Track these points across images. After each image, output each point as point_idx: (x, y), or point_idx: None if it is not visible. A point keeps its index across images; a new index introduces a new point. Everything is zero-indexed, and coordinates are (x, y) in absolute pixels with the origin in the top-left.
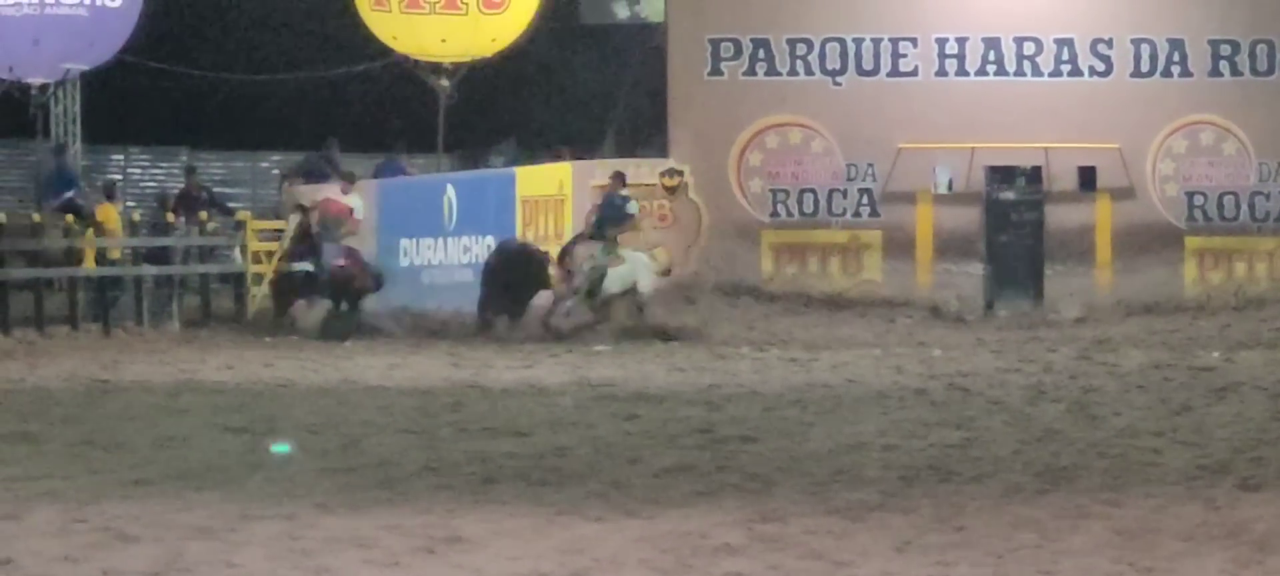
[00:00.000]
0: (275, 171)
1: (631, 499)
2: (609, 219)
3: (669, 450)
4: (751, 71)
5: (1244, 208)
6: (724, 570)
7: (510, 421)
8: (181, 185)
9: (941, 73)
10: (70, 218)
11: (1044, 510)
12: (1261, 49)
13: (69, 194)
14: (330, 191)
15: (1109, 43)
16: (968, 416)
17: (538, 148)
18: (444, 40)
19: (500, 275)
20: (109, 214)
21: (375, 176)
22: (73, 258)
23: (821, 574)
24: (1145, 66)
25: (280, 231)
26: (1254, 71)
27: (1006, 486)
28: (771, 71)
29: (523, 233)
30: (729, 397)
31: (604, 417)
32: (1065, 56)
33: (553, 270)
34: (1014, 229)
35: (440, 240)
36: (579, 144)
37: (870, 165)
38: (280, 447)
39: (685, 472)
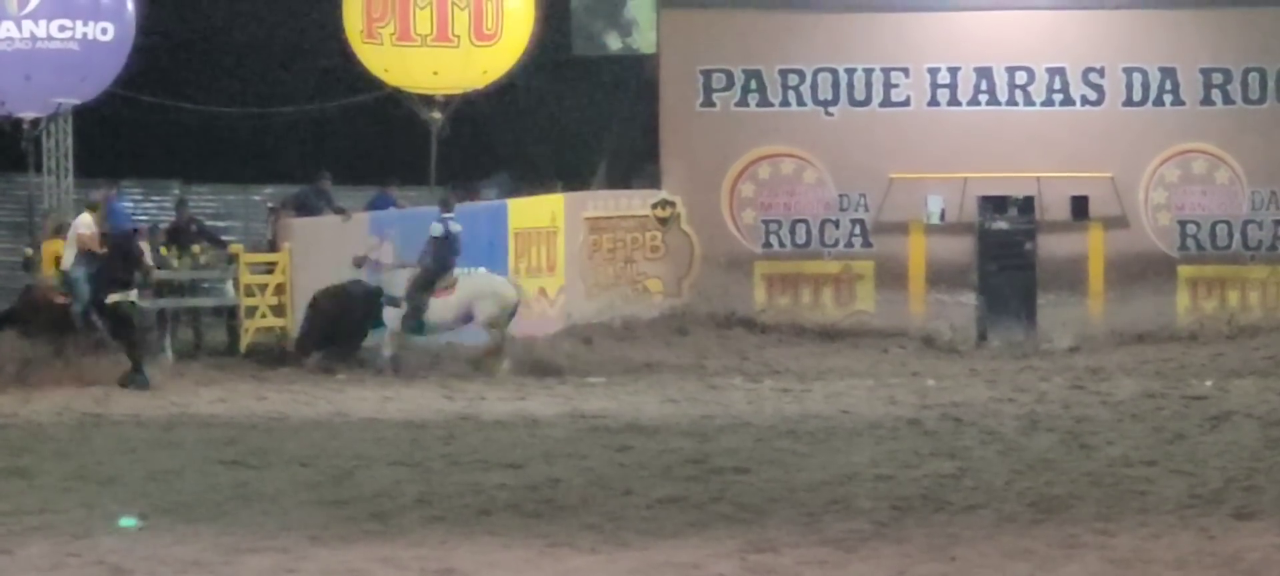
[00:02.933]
0: (268, 205)
1: (624, 530)
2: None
3: (662, 481)
4: (743, 102)
5: (1236, 236)
6: None
7: (503, 453)
8: (173, 218)
9: (933, 103)
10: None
11: (1037, 540)
12: (1253, 77)
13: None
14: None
15: (1101, 72)
16: (961, 446)
17: (531, 180)
18: (436, 72)
19: (326, 311)
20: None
21: (367, 210)
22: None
23: None
24: (1137, 95)
25: (272, 265)
26: (1246, 100)
27: (1000, 516)
28: (763, 102)
29: (515, 265)
30: (722, 429)
31: (597, 449)
32: (1057, 86)
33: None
34: (1007, 259)
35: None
36: (571, 176)
37: (862, 195)
38: (128, 521)
39: (678, 504)
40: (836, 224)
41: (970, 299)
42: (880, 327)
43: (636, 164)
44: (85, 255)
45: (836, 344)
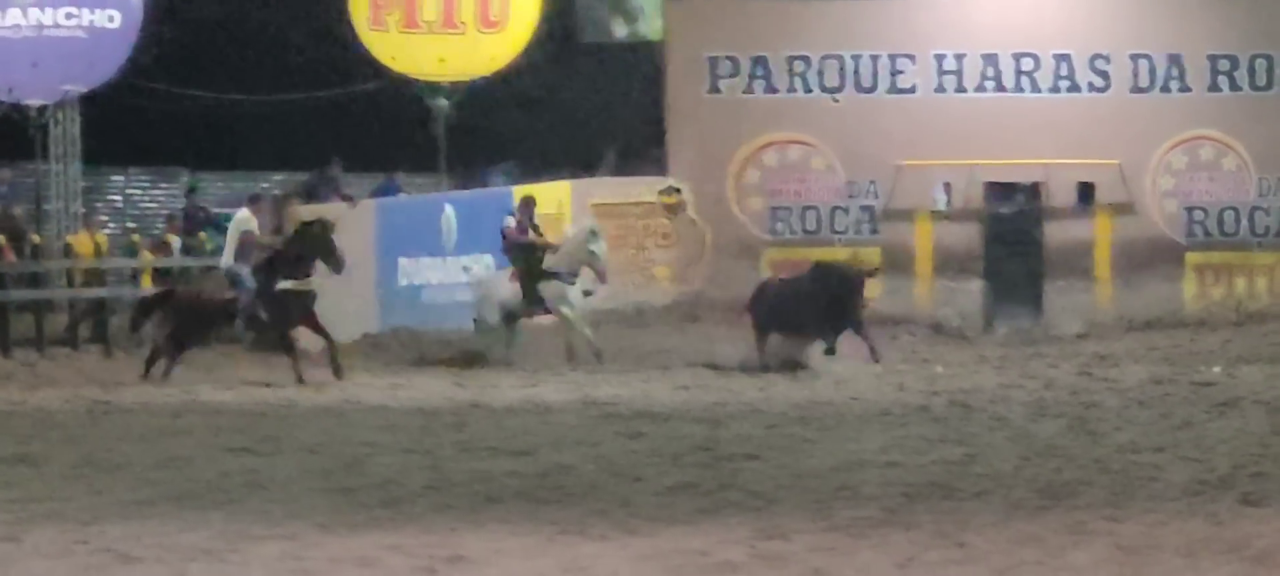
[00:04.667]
0: (276, 192)
1: (634, 517)
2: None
3: (672, 468)
4: (750, 89)
5: (1244, 222)
6: None
7: (513, 440)
8: (182, 205)
9: (940, 89)
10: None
11: (1046, 526)
12: (1260, 64)
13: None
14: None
15: (1107, 58)
16: (969, 433)
17: (538, 167)
18: (442, 60)
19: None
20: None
21: (372, 197)
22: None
23: None
24: (1144, 82)
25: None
26: (1253, 86)
27: (1008, 503)
28: (770, 89)
29: None
30: (731, 415)
31: (607, 436)
32: (1064, 72)
33: None
34: (1014, 245)
35: (440, 259)
36: (579, 163)
37: (871, 182)
38: None
39: (688, 490)
40: (845, 210)
41: (977, 285)
42: (888, 314)
43: (643, 151)
44: (248, 250)
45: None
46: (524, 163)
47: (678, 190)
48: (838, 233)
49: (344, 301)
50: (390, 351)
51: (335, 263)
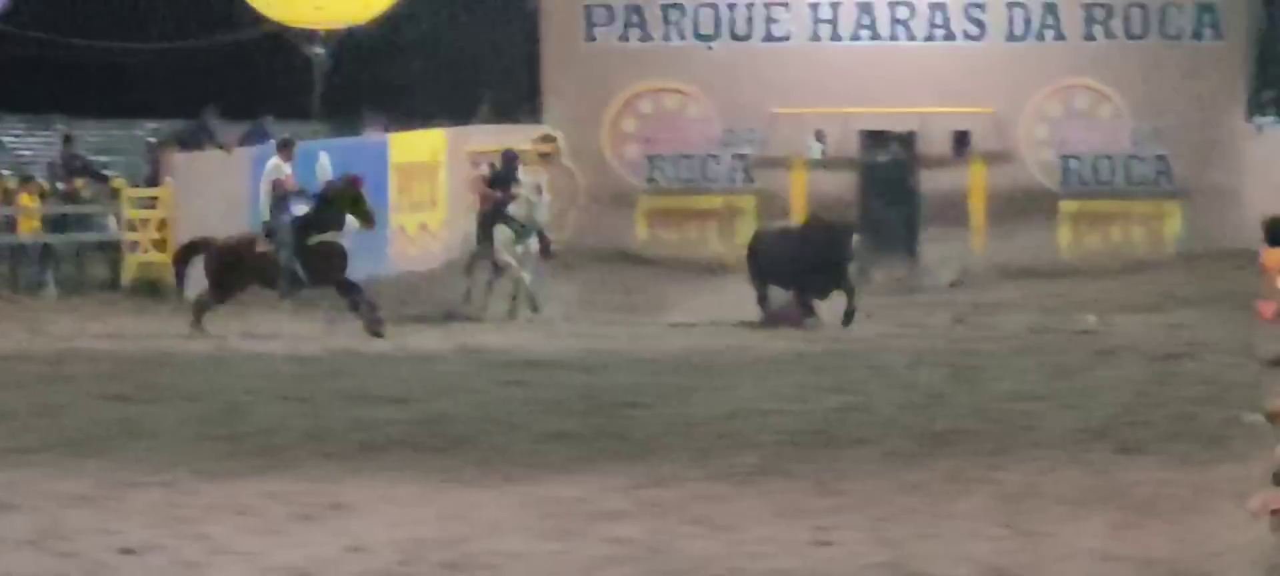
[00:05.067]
0: (149, 140)
1: (514, 465)
2: None
3: (551, 416)
4: (625, 37)
5: (1119, 171)
6: (606, 536)
7: (391, 388)
8: (57, 153)
9: (815, 37)
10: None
11: (926, 474)
12: (1135, 12)
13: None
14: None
15: (982, 6)
16: (849, 381)
17: (413, 114)
18: (318, 6)
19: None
20: None
21: (242, 144)
22: None
23: (703, 538)
24: (1019, 30)
25: (155, 200)
26: (1128, 34)
27: (888, 451)
28: (645, 37)
29: (396, 199)
30: (611, 364)
31: (486, 384)
32: (939, 21)
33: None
34: (889, 194)
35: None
36: (455, 111)
37: (746, 130)
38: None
39: (568, 439)
40: (719, 159)
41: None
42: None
43: (519, 99)
44: (283, 200)
45: (722, 279)
46: (398, 112)
47: (553, 138)
48: (711, 181)
49: None
50: (267, 298)
51: (366, 217)
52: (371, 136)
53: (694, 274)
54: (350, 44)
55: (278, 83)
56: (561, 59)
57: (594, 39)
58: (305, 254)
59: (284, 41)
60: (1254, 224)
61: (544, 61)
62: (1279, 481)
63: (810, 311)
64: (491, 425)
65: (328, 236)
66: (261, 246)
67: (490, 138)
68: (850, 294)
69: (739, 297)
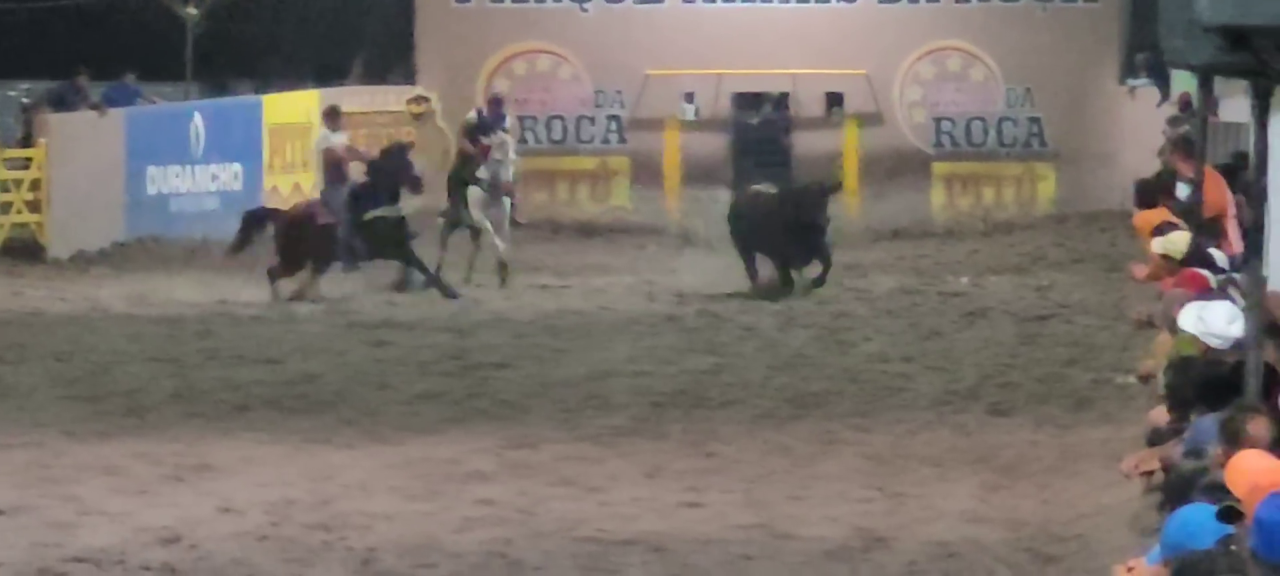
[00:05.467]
0: (22, 100)
1: (382, 425)
2: None
3: (420, 377)
4: None
5: (991, 133)
6: (474, 496)
7: (260, 349)
8: None
9: None
10: None
11: (795, 435)
12: None
13: None
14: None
15: None
16: (719, 343)
17: (286, 75)
18: None
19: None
20: None
21: (106, 102)
22: None
23: (572, 499)
24: None
25: (27, 161)
26: None
27: (757, 412)
28: None
29: (270, 161)
30: (479, 325)
31: (354, 345)
32: None
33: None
34: (761, 155)
35: (188, 168)
36: (328, 72)
37: (618, 92)
38: None
39: (436, 399)
40: (592, 120)
41: (725, 195)
42: (637, 224)
43: (392, 59)
44: (337, 170)
45: (593, 240)
46: (272, 71)
47: (426, 99)
48: (584, 142)
49: (91, 209)
50: (137, 260)
51: (414, 184)
52: (242, 97)
53: (566, 235)
54: (222, 4)
55: (151, 43)
56: (434, 20)
57: (467, 0)
58: (362, 228)
59: (156, 1)
60: (1126, 185)
61: (417, 22)
62: (1151, 442)
63: (788, 280)
64: (360, 386)
65: (383, 210)
66: (323, 217)
67: (363, 98)
68: (825, 259)
69: (610, 259)
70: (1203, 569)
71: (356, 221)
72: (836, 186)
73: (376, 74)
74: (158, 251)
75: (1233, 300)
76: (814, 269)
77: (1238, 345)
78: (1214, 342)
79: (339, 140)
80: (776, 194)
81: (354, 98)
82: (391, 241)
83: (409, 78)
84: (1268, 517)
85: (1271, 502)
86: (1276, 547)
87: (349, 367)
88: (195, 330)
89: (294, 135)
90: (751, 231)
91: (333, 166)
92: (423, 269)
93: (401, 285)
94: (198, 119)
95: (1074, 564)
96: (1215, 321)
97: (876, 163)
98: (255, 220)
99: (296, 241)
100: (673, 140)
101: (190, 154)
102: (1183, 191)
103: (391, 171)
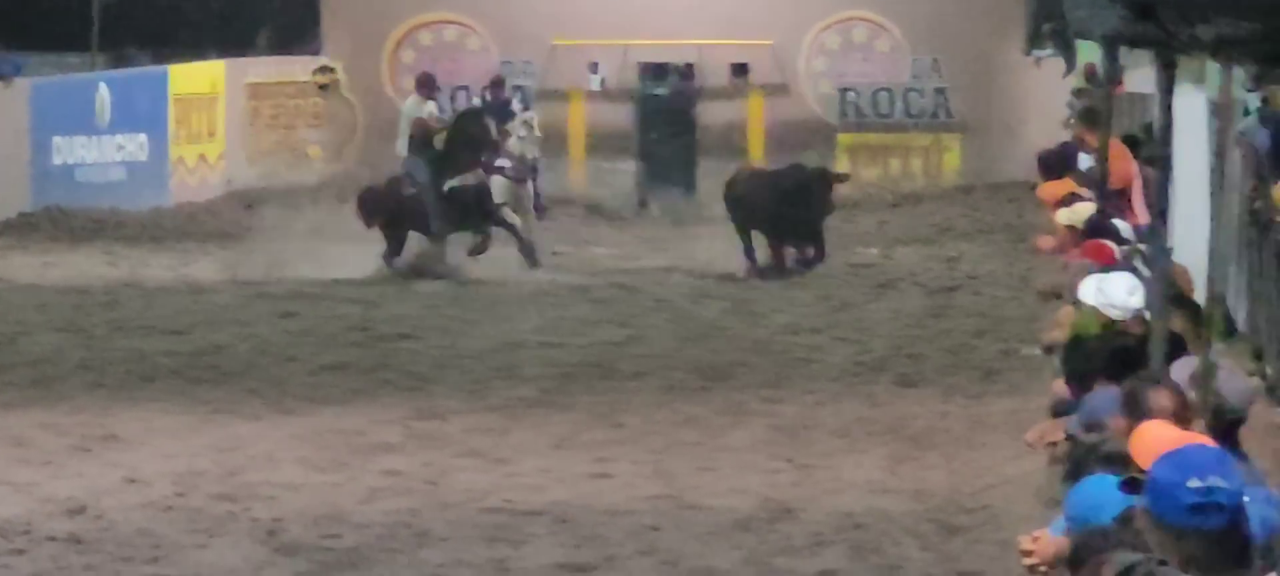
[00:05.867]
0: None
1: (289, 397)
2: None
3: (326, 348)
4: None
5: (898, 103)
6: (381, 467)
7: (166, 319)
8: None
9: None
10: None
11: (704, 407)
12: None
13: None
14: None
15: None
16: (628, 314)
17: (192, 45)
18: None
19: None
20: None
21: None
22: None
23: (479, 470)
24: None
25: None
26: None
27: (666, 383)
28: None
29: (175, 131)
30: (387, 295)
31: (261, 315)
32: None
33: None
34: (668, 126)
35: (94, 138)
36: (233, 43)
37: (525, 62)
38: None
39: (342, 370)
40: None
41: (631, 166)
42: (544, 195)
43: (298, 30)
44: (424, 141)
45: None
46: (178, 42)
47: (332, 70)
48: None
49: None
50: (43, 230)
51: (489, 152)
52: (147, 68)
53: None
54: None
55: (56, 13)
56: None
57: None
58: (444, 199)
59: None
60: (1032, 156)
61: None
62: (1056, 413)
63: (780, 261)
64: (267, 357)
65: (466, 178)
66: (408, 188)
67: (269, 69)
68: (819, 244)
69: None
70: (1102, 544)
71: (438, 191)
72: (842, 177)
73: (282, 45)
74: (63, 221)
75: (1134, 271)
76: (806, 252)
77: (1139, 316)
78: (1114, 314)
79: (430, 109)
80: (775, 172)
81: (259, 69)
82: (474, 210)
83: (314, 49)
84: (1162, 477)
85: (1166, 461)
86: (1171, 508)
87: (256, 339)
88: (101, 301)
89: (199, 106)
90: (750, 209)
91: (421, 136)
92: (512, 230)
93: (478, 249)
94: (103, 89)
95: (980, 534)
96: (1115, 293)
97: (781, 133)
98: (363, 199)
99: (386, 215)
100: (578, 110)
101: (96, 124)
102: (1085, 162)
103: (468, 138)
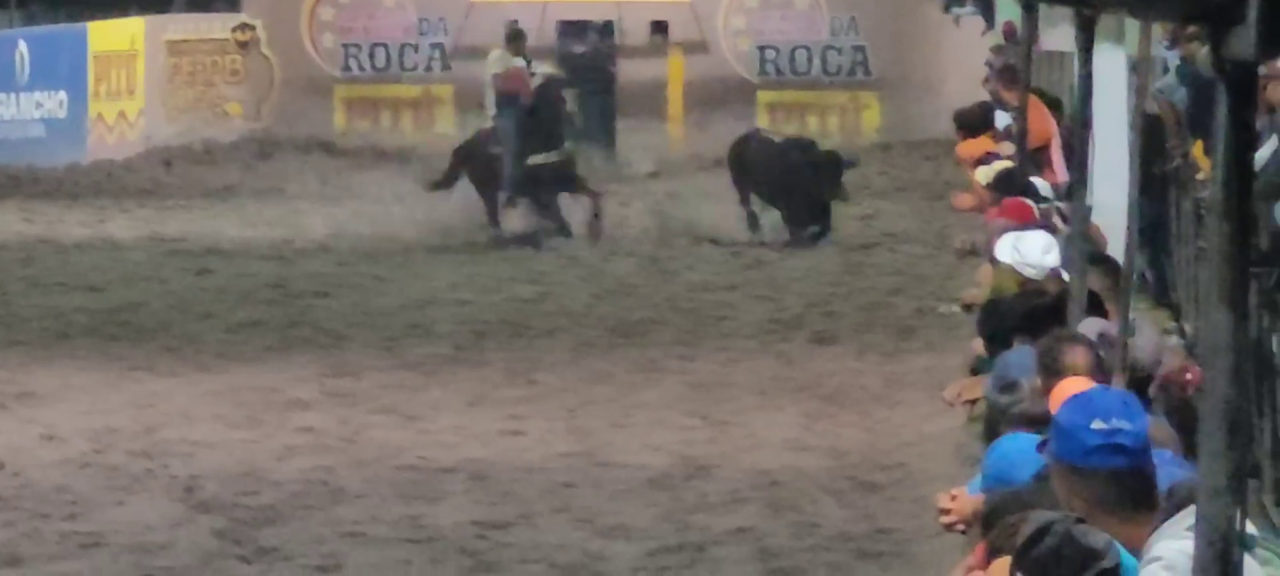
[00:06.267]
0: None
1: (204, 354)
2: None
3: (242, 305)
4: None
5: (816, 61)
6: (296, 424)
7: (82, 276)
8: None
9: None
10: None
11: (618, 364)
12: None
13: None
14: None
15: None
16: (541, 271)
17: (111, 2)
18: None
19: None
20: None
21: None
22: None
23: (394, 427)
24: None
25: None
26: None
27: (580, 340)
28: None
29: (95, 88)
30: (302, 253)
31: (176, 273)
32: None
33: None
34: (586, 83)
35: (12, 95)
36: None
37: (442, 20)
38: None
39: (258, 328)
40: (416, 48)
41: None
42: None
43: None
44: (510, 99)
45: (416, 168)
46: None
47: (251, 27)
48: (407, 70)
49: None
50: None
51: (570, 123)
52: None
53: (390, 163)
54: None
55: None
56: None
57: None
58: (526, 171)
59: None
60: (951, 114)
61: None
62: (974, 371)
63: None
64: (183, 315)
65: (550, 155)
66: (495, 147)
67: (187, 26)
68: (826, 221)
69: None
70: (1015, 505)
71: (520, 160)
72: (853, 162)
73: (201, 3)
74: None
75: (1051, 230)
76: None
77: (1056, 274)
78: (1029, 272)
79: (514, 64)
80: (782, 142)
81: (178, 26)
82: (556, 184)
83: (234, 6)
84: (1067, 420)
85: (1071, 404)
86: (1076, 450)
87: (171, 296)
88: (17, 257)
89: (119, 62)
90: (755, 179)
91: (505, 92)
92: (596, 200)
93: (595, 231)
94: (22, 46)
95: (897, 492)
96: (1030, 251)
97: (701, 91)
98: (460, 152)
99: (486, 174)
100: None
101: (14, 81)
102: (1002, 120)
103: (548, 112)
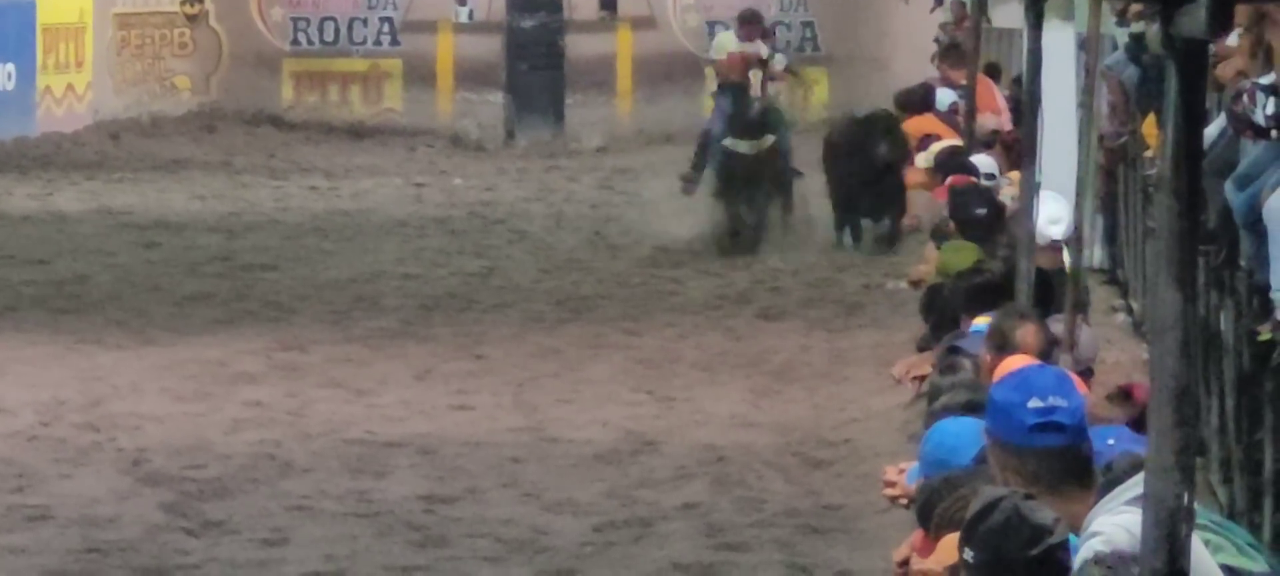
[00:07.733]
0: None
1: (152, 327)
2: None
3: (189, 278)
4: None
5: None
6: (243, 398)
7: (30, 249)
8: None
9: None
10: None
11: (565, 339)
12: None
13: None
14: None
15: None
16: (489, 245)
17: None
18: None
19: None
20: None
21: None
22: None
23: (341, 401)
24: None
25: None
26: None
27: (528, 315)
28: None
29: (43, 61)
30: (249, 226)
31: (124, 245)
32: None
33: None
34: (535, 58)
35: None
36: None
37: None
38: None
39: (205, 301)
40: (365, 22)
41: (498, 98)
42: (408, 126)
43: None
44: (727, 84)
45: (365, 142)
46: None
47: (199, 0)
48: (356, 44)
49: None
50: None
51: (776, 116)
52: None
53: (337, 137)
54: None
55: None
56: None
57: None
58: (716, 153)
59: None
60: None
61: None
62: (921, 348)
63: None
64: (130, 287)
65: (756, 146)
66: (708, 124)
67: (137, 0)
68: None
69: (380, 161)
70: (950, 491)
71: (715, 144)
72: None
73: None
74: None
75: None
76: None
77: (1056, 248)
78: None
79: (738, 49)
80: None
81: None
82: (745, 175)
83: None
84: (1003, 398)
85: (1007, 383)
86: (1013, 428)
87: (119, 269)
88: None
89: (67, 35)
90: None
91: (723, 74)
92: (788, 198)
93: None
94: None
95: (843, 468)
96: (1041, 216)
97: (650, 67)
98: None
99: (698, 142)
100: (446, 43)
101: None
102: (945, 99)
103: (765, 105)
